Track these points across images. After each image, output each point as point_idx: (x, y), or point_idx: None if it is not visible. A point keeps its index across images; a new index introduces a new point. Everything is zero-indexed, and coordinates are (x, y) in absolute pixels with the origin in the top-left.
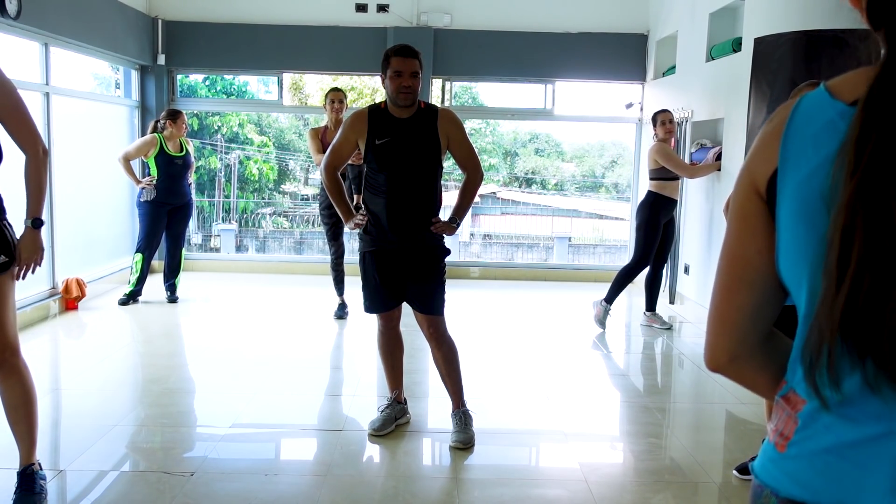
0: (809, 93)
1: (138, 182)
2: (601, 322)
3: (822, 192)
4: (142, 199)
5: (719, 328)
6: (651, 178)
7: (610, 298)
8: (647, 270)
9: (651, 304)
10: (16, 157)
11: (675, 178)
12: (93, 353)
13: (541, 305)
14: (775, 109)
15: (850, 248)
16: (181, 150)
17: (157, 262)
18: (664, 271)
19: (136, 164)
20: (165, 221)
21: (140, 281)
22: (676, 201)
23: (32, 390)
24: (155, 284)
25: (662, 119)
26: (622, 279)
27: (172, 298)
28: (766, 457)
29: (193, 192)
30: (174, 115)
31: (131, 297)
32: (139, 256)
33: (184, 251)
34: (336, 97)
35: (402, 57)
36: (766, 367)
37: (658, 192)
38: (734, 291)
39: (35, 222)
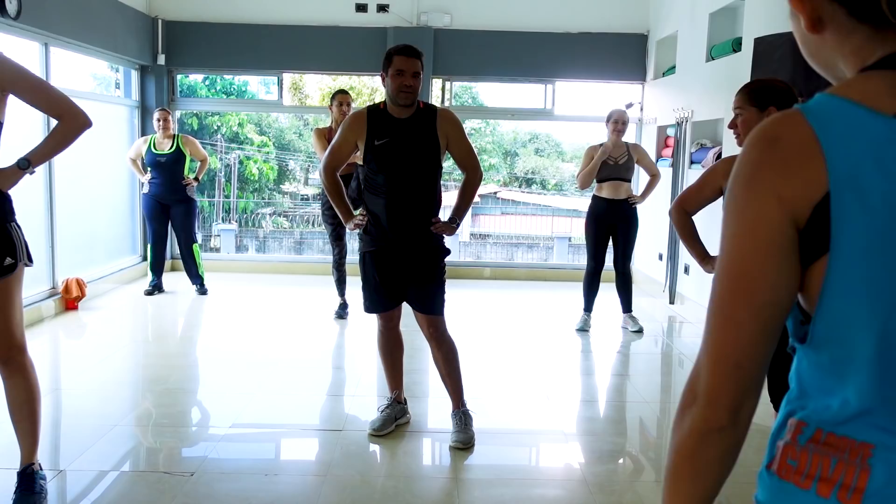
0: (811, 104)
1: (142, 177)
2: (581, 330)
3: None
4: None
5: (739, 385)
6: None
7: (587, 307)
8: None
9: (588, 304)
10: (13, 154)
11: (611, 178)
12: (93, 353)
13: (541, 305)
14: (759, 123)
15: None
16: (171, 148)
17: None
18: (627, 271)
19: None
20: (164, 217)
21: (152, 271)
22: (617, 201)
23: (37, 389)
24: (164, 282)
25: (616, 118)
26: (584, 285)
27: (200, 291)
28: None
29: (194, 189)
30: (164, 108)
31: (154, 288)
32: (148, 247)
33: (197, 247)
34: (344, 100)
35: (405, 56)
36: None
37: (594, 192)
38: (761, 345)
39: (21, 162)
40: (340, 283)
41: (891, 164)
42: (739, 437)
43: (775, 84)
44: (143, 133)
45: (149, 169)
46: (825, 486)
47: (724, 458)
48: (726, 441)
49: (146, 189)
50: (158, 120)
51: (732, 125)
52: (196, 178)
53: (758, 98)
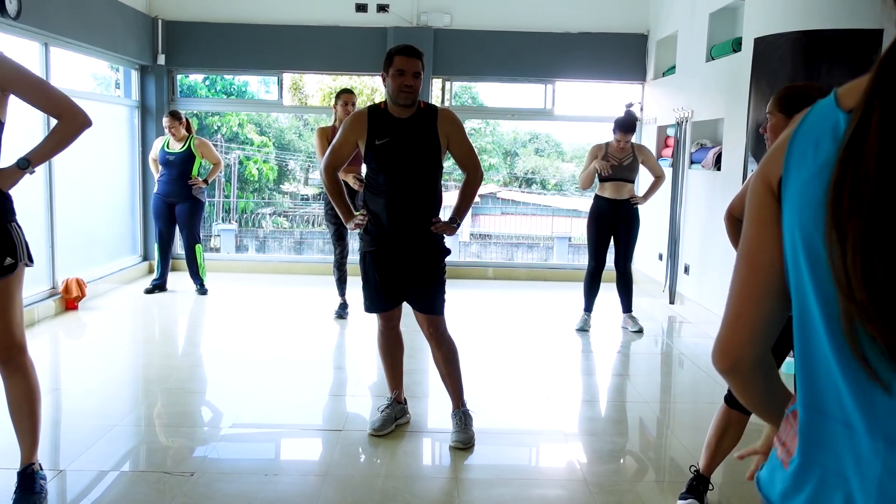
0: (823, 99)
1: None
2: (581, 330)
3: (820, 198)
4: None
5: (738, 332)
6: None
7: (587, 307)
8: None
9: (589, 303)
10: (13, 154)
11: (614, 179)
12: (93, 353)
13: (541, 305)
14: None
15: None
16: (181, 148)
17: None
18: (628, 271)
19: None
20: (169, 216)
21: (157, 269)
22: (619, 201)
23: (37, 389)
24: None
25: (618, 138)
26: (584, 285)
27: (200, 291)
28: (771, 470)
29: (201, 190)
30: (169, 114)
31: (155, 287)
32: (155, 246)
33: (199, 247)
34: (349, 99)
35: (406, 56)
36: (769, 379)
37: (596, 192)
38: (758, 300)
39: (21, 162)
40: (341, 283)
41: (823, 148)
42: (748, 379)
43: (807, 91)
44: (143, 133)
45: (160, 167)
46: (781, 448)
47: (750, 387)
48: (736, 380)
49: (156, 188)
50: (170, 121)
51: (763, 130)
52: (205, 181)
53: (787, 105)
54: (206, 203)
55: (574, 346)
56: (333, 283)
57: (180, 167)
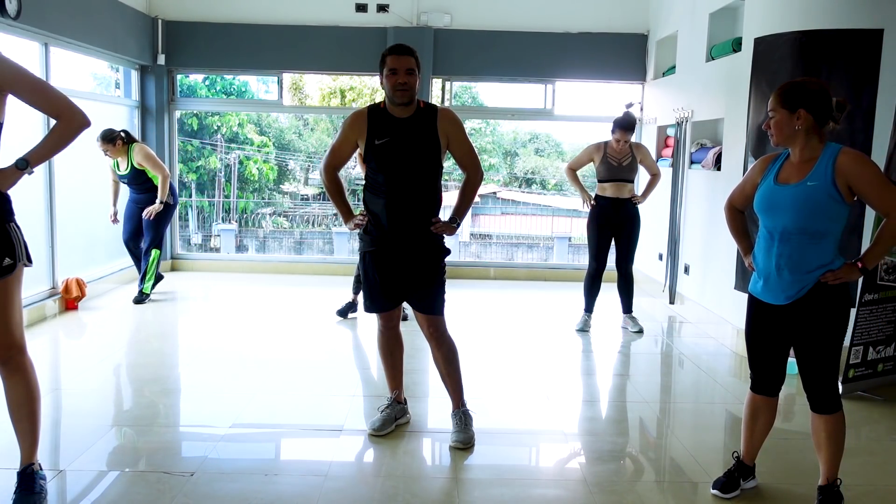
0: None
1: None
2: (582, 330)
3: None
4: None
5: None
6: None
7: (587, 307)
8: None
9: (589, 304)
10: (13, 154)
11: (614, 179)
12: (93, 353)
13: (541, 305)
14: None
15: None
16: (126, 168)
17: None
18: (629, 272)
19: None
20: (139, 216)
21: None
22: (620, 200)
23: (37, 389)
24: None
25: (617, 137)
26: (585, 286)
27: (136, 298)
28: None
29: (152, 213)
30: (100, 137)
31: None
32: (127, 255)
33: (157, 253)
34: None
35: (397, 55)
36: None
37: (597, 192)
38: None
39: (20, 163)
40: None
41: None
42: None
43: (807, 85)
44: (143, 133)
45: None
46: None
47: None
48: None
49: (129, 195)
50: (102, 143)
51: (766, 126)
52: (162, 202)
53: (788, 100)
54: (177, 206)
55: (574, 346)
56: (334, 283)
57: (136, 182)
